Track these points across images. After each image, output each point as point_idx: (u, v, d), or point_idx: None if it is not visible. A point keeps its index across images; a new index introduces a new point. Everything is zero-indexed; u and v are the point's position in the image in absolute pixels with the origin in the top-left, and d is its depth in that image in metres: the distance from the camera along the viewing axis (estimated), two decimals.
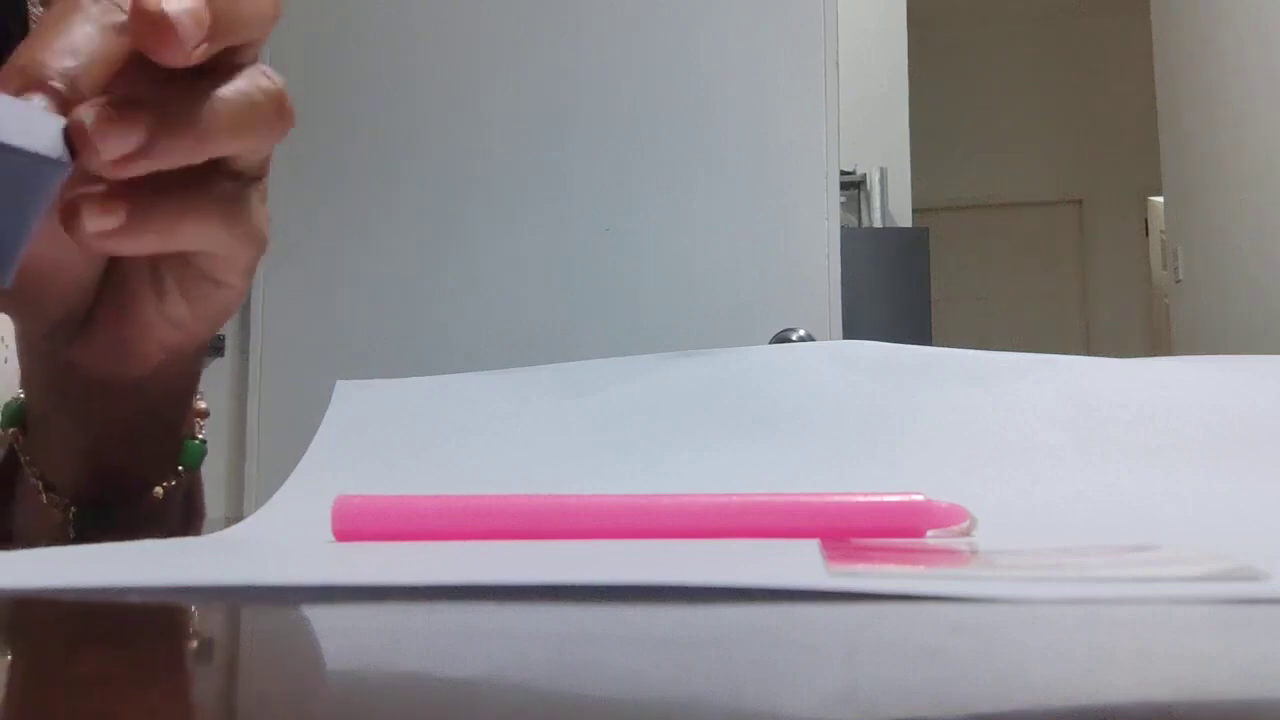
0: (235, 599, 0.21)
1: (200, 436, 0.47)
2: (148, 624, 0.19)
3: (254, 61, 0.33)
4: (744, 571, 0.23)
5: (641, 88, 1.64)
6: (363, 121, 1.70)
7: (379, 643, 0.17)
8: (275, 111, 0.33)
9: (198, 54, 0.29)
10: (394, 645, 0.16)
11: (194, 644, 0.18)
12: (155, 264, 0.36)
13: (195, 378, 0.44)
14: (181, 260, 0.35)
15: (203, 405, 0.47)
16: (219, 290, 0.36)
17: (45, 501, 0.43)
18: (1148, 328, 5.23)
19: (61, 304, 0.36)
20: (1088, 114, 5.37)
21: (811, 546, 0.27)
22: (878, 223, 2.74)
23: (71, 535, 0.42)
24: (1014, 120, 5.41)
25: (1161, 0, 3.56)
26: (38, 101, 0.27)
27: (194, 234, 0.33)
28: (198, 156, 0.30)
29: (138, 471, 0.44)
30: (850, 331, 1.65)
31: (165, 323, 0.37)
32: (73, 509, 0.43)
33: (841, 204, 1.81)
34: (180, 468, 0.45)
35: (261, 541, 0.32)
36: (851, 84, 2.10)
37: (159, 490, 0.44)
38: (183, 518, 0.48)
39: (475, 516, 0.31)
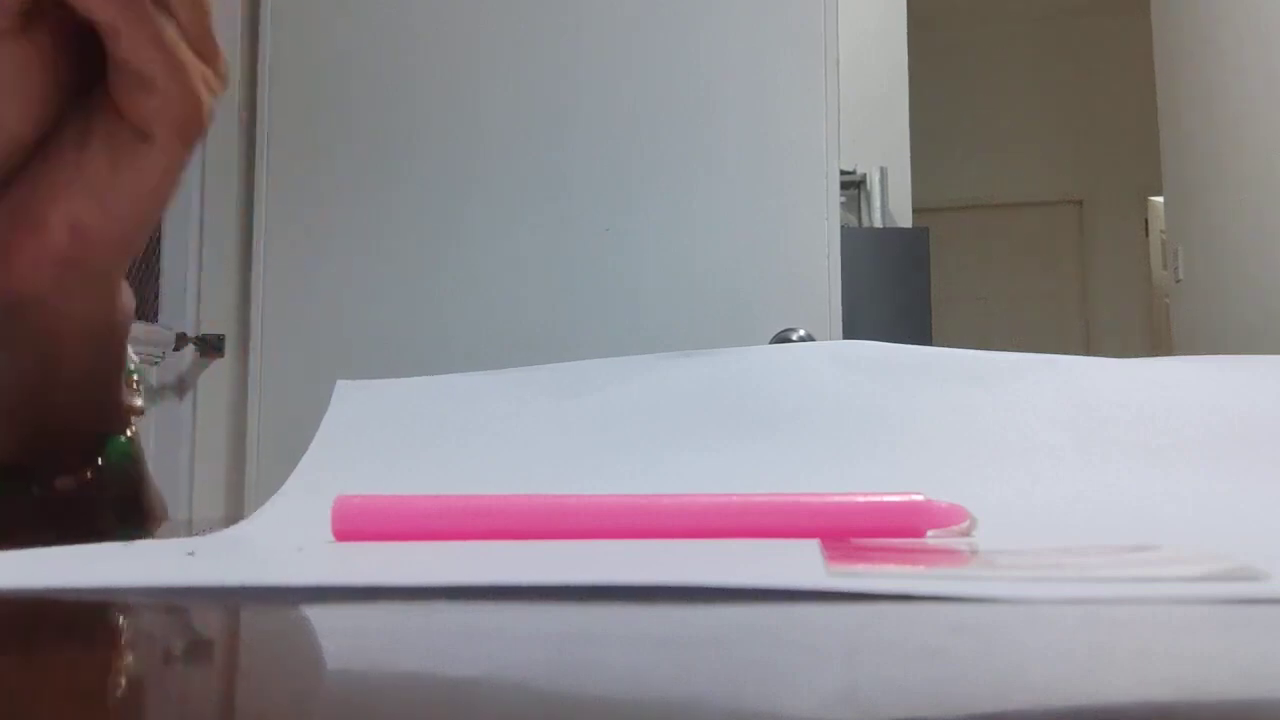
0: (235, 599, 0.21)
1: (127, 434, 0.44)
2: (148, 624, 0.19)
3: None
4: (744, 571, 0.23)
5: (641, 88, 1.64)
6: (363, 121, 1.70)
7: (379, 643, 0.17)
8: None
9: None
10: (394, 645, 0.16)
11: (194, 644, 0.18)
12: (86, 118, 0.34)
13: (111, 347, 0.41)
14: (112, 112, 0.33)
15: (138, 402, 0.44)
16: (147, 151, 0.34)
17: None
18: (1148, 328, 5.23)
19: None
20: (1088, 114, 5.37)
21: (811, 546, 0.27)
22: (878, 223, 2.74)
23: None
24: (1014, 120, 5.41)
25: (1161, 0, 3.56)
26: None
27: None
28: None
29: (47, 448, 0.41)
30: (850, 331, 1.65)
31: (80, 190, 0.33)
32: None
33: (841, 204, 1.82)
34: (99, 461, 0.42)
35: (261, 541, 0.32)
36: (851, 84, 2.10)
37: (68, 480, 0.42)
38: (122, 517, 0.45)
39: (475, 516, 0.31)
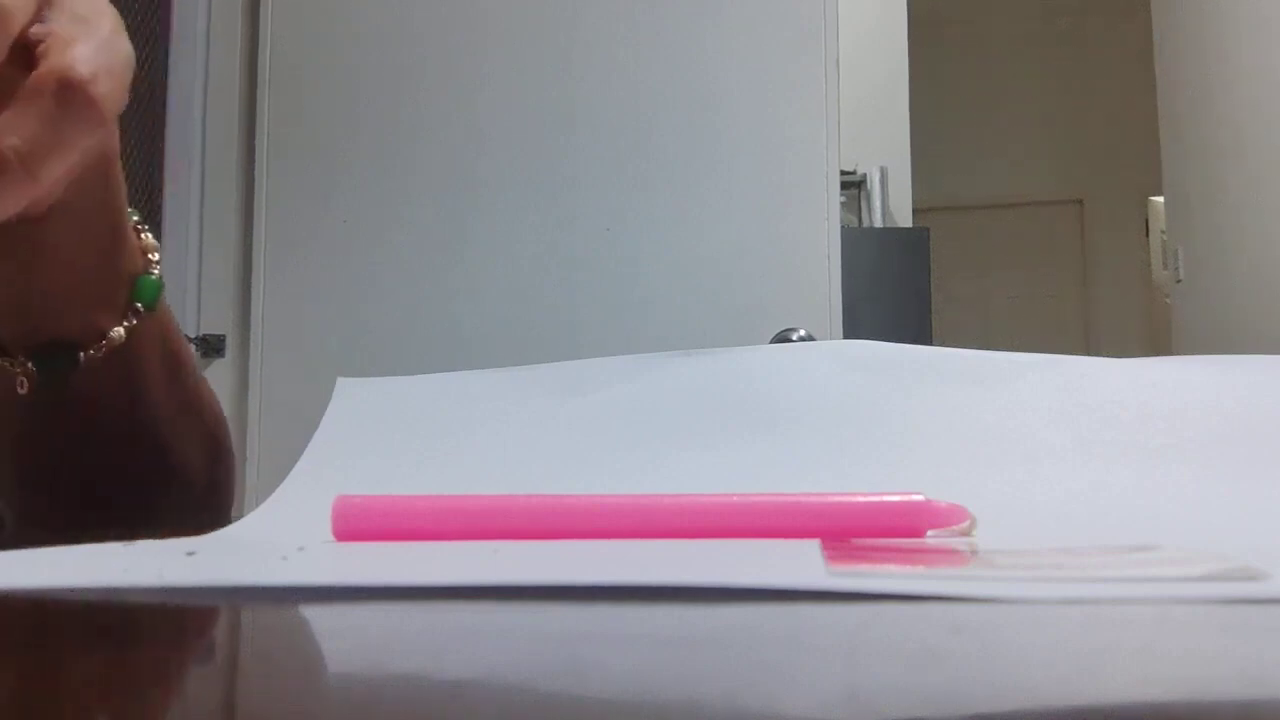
0: (235, 599, 0.21)
1: (154, 272, 0.44)
2: (148, 624, 0.19)
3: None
4: (744, 571, 0.23)
5: (642, 88, 1.64)
6: (363, 121, 1.69)
7: (379, 643, 0.17)
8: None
9: None
10: (394, 645, 0.16)
11: (194, 644, 0.18)
12: None
13: (118, 188, 0.41)
14: None
15: (150, 239, 0.44)
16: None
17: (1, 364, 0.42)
18: (1148, 328, 5.23)
19: None
20: (1088, 114, 5.37)
21: (812, 546, 0.27)
22: (878, 223, 2.74)
23: (25, 388, 0.41)
24: (1014, 120, 5.40)
25: (1161, 0, 3.56)
26: None
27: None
28: None
29: (81, 308, 0.42)
30: (850, 331, 1.65)
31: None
32: (30, 364, 0.42)
33: (841, 204, 1.81)
34: (138, 305, 0.43)
35: (262, 541, 0.32)
36: (851, 84, 2.10)
37: (119, 331, 0.42)
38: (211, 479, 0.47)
39: (475, 516, 0.31)
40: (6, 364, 0.42)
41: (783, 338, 1.55)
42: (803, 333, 1.55)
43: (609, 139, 1.64)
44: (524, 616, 0.18)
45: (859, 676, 0.14)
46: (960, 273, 5.22)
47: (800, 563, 0.24)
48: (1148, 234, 5.29)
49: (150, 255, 0.45)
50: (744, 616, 0.18)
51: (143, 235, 0.45)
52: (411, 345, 1.65)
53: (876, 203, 2.76)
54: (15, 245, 0.39)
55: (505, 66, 1.67)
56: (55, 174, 0.31)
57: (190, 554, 0.27)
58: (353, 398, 0.47)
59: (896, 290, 2.39)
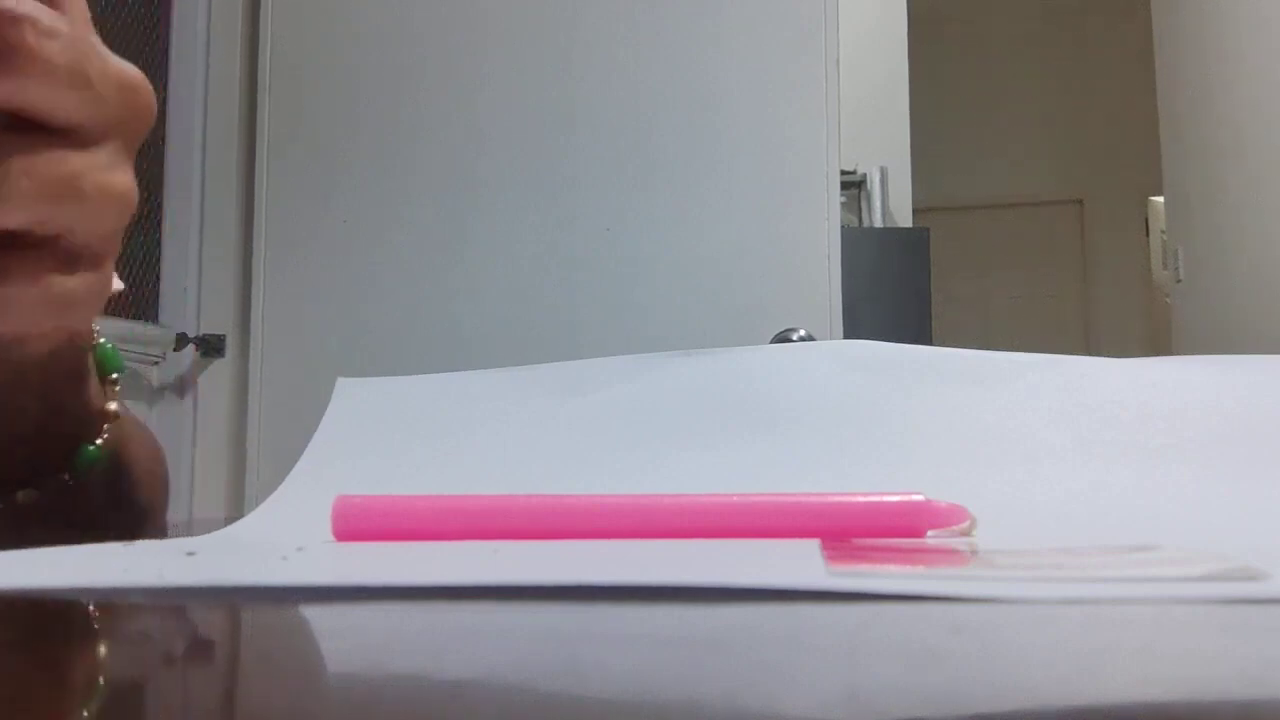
0: (235, 599, 0.21)
1: (98, 442, 0.43)
2: (148, 624, 0.19)
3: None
4: (744, 571, 0.23)
5: (642, 88, 1.64)
6: (364, 121, 1.69)
7: (379, 643, 0.17)
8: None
9: None
10: (394, 645, 0.16)
11: (194, 644, 0.18)
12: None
13: (80, 365, 0.40)
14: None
15: (112, 406, 0.43)
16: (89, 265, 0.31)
17: None
18: (1148, 328, 5.23)
19: None
20: (1088, 114, 5.37)
21: (812, 547, 0.27)
22: (878, 223, 2.74)
23: None
24: (1014, 120, 5.40)
25: (1161, 0, 3.56)
26: None
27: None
28: None
29: (20, 461, 0.41)
30: (850, 331, 1.65)
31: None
32: None
33: (841, 204, 1.81)
34: (66, 474, 0.42)
35: (261, 541, 0.32)
36: (851, 84, 2.10)
37: (30, 494, 0.41)
38: (108, 522, 0.45)
39: (475, 516, 0.31)
40: None
41: (783, 338, 1.55)
42: (803, 333, 1.55)
43: (609, 139, 1.64)
44: (524, 616, 0.18)
45: (859, 676, 0.14)
46: (960, 273, 5.22)
47: (800, 563, 0.24)
48: (1148, 234, 5.29)
49: (110, 413, 0.43)
50: (744, 616, 0.18)
51: (113, 391, 0.43)
52: (411, 345, 1.65)
53: (876, 203, 2.76)
54: None
55: (505, 66, 1.67)
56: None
57: (190, 554, 0.27)
58: (353, 398, 0.47)
59: (896, 290, 2.39)
